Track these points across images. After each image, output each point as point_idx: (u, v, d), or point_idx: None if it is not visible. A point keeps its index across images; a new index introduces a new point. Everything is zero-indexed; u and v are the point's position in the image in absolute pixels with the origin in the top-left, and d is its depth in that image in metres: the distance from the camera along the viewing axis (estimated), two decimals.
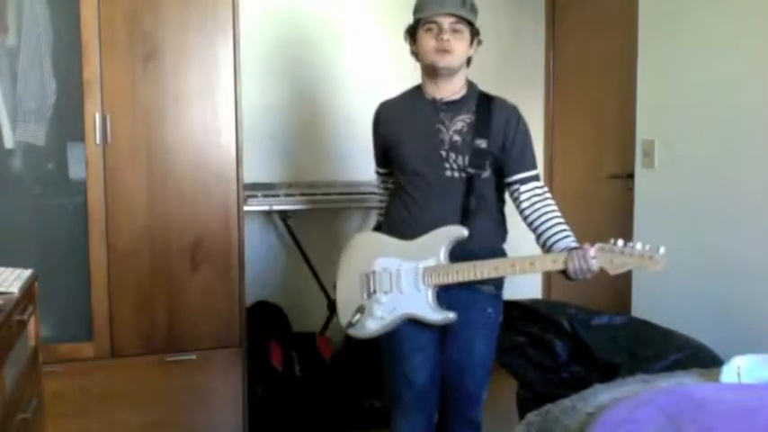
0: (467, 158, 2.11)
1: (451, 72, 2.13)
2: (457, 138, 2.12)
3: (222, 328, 2.86)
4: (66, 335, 2.75)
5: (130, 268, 2.74)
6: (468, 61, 2.18)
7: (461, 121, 2.14)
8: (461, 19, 2.08)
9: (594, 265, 1.94)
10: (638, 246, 1.92)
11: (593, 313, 2.55)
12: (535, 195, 2.15)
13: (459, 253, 2.08)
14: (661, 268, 1.89)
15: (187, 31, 2.74)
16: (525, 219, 2.16)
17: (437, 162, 2.12)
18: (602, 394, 1.92)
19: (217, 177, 2.81)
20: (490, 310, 2.19)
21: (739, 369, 1.89)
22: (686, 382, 1.96)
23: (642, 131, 2.96)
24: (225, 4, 2.76)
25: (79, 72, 2.64)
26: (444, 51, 2.07)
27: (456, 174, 2.12)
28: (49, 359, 2.48)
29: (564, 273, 2.00)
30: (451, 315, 2.09)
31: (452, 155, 2.12)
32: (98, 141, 2.66)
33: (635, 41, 2.97)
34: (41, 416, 2.19)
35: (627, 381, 2.04)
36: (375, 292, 2.15)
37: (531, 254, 2.09)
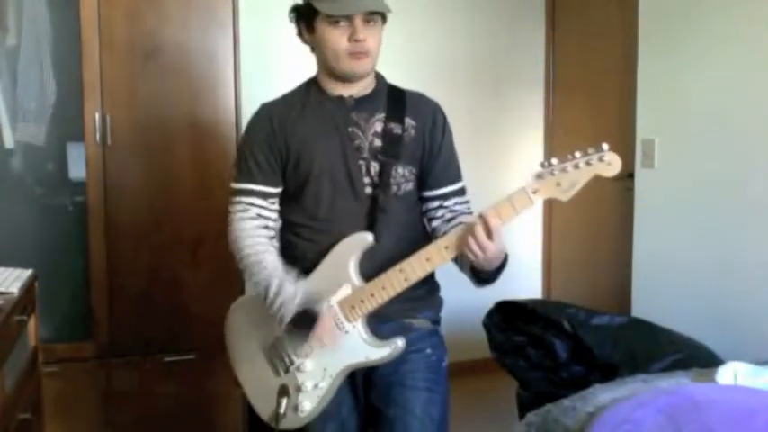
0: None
1: (368, 75, 1.70)
2: (378, 143, 1.68)
3: (222, 329, 2.85)
4: (66, 335, 2.75)
5: (130, 268, 2.74)
6: None
7: (379, 122, 1.69)
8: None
9: (535, 199, 1.49)
10: (578, 154, 1.52)
11: (593, 313, 2.55)
12: (450, 212, 1.73)
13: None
14: (616, 168, 1.51)
15: (187, 30, 2.74)
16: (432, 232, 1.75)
17: (356, 176, 1.66)
18: (601, 394, 1.92)
19: (217, 177, 2.80)
20: (429, 350, 1.73)
21: (736, 373, 1.89)
22: (685, 383, 1.96)
23: (642, 131, 2.96)
24: (225, 4, 2.76)
25: (79, 72, 2.64)
26: (362, 54, 1.62)
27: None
28: (49, 359, 2.48)
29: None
30: (400, 342, 1.64)
31: (374, 165, 1.67)
32: (98, 141, 2.67)
33: (635, 41, 2.98)
34: (41, 416, 2.19)
35: (626, 381, 2.04)
36: (292, 362, 1.69)
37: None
